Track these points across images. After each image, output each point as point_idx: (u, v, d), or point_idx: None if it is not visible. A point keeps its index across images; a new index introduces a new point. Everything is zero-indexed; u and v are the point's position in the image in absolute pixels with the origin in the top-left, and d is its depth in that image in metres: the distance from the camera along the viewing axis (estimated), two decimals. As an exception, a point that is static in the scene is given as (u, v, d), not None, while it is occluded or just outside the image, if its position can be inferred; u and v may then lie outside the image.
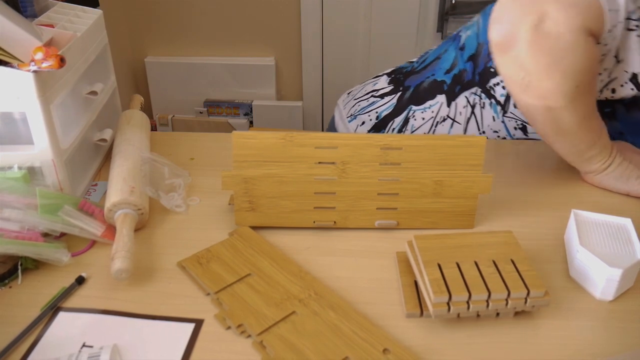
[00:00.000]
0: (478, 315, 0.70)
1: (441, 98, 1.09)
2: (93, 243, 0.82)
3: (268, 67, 2.72)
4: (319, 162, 0.81)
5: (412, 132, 1.10)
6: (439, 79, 1.09)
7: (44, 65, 0.75)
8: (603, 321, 0.70)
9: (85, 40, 0.92)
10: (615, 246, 0.75)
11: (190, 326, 0.69)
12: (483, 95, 1.05)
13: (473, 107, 1.06)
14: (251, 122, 2.78)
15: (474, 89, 1.06)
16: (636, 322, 0.70)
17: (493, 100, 1.04)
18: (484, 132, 1.06)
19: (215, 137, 1.10)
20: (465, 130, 1.06)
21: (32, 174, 0.83)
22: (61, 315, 0.70)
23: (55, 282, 0.75)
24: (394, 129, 1.13)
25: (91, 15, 0.98)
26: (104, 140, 0.98)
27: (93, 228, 0.81)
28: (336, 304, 0.71)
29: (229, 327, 0.69)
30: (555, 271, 0.78)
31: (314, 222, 0.84)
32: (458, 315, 0.68)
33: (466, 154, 0.80)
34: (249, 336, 0.67)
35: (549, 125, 0.87)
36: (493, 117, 1.05)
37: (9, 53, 0.77)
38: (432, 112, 1.09)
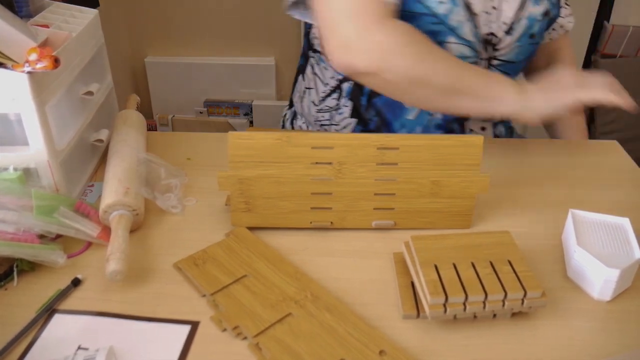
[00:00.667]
0: (475, 317, 0.69)
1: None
2: (89, 245, 0.82)
3: (268, 67, 2.71)
4: (316, 163, 0.81)
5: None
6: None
7: (39, 66, 0.75)
8: (601, 322, 0.70)
9: (80, 41, 0.92)
10: (613, 246, 0.75)
11: (186, 328, 0.69)
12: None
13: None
14: (251, 122, 2.78)
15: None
16: (634, 323, 0.70)
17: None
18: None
19: (211, 137, 1.10)
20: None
21: (27, 175, 0.82)
22: (57, 317, 0.70)
23: (51, 284, 0.74)
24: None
25: (87, 15, 0.98)
26: (100, 140, 0.98)
27: (89, 229, 0.81)
28: (332, 306, 0.70)
29: (224, 329, 0.68)
30: (553, 271, 0.77)
31: (311, 222, 0.84)
32: (455, 316, 0.68)
33: (463, 153, 0.80)
34: (245, 338, 0.67)
35: (433, 95, 0.88)
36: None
37: (3, 54, 0.77)
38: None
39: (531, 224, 0.87)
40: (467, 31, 0.95)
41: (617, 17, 2.22)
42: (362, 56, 0.85)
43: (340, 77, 1.08)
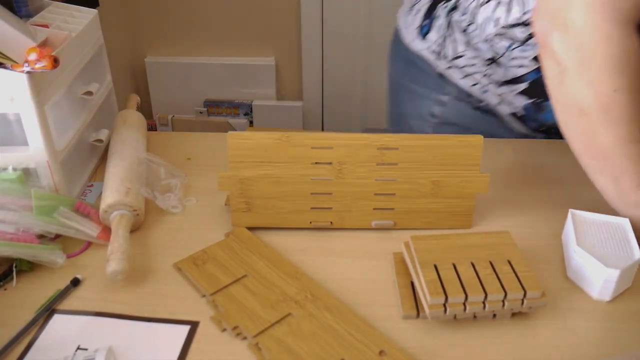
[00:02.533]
0: (475, 317, 0.69)
1: None
2: (88, 245, 0.82)
3: (268, 67, 2.72)
4: (315, 163, 0.80)
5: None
6: None
7: (38, 66, 0.75)
8: (600, 322, 0.70)
9: (80, 40, 0.92)
10: (613, 246, 0.75)
11: (186, 328, 0.69)
12: None
13: None
14: (251, 122, 2.78)
15: None
16: (634, 323, 0.70)
17: None
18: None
19: (211, 137, 1.10)
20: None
21: (27, 175, 0.82)
22: (56, 317, 0.70)
23: (50, 284, 0.74)
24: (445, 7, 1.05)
25: (86, 15, 0.98)
26: (100, 140, 0.98)
27: (89, 229, 0.81)
28: (332, 306, 0.70)
29: (224, 329, 0.68)
30: (553, 272, 0.77)
31: (311, 222, 0.84)
32: (455, 316, 0.68)
33: (463, 153, 0.80)
34: (245, 338, 0.67)
35: (581, 138, 0.77)
36: None
37: (2, 54, 0.77)
38: None
39: (531, 224, 0.87)
40: None
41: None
42: (562, 40, 0.73)
43: None
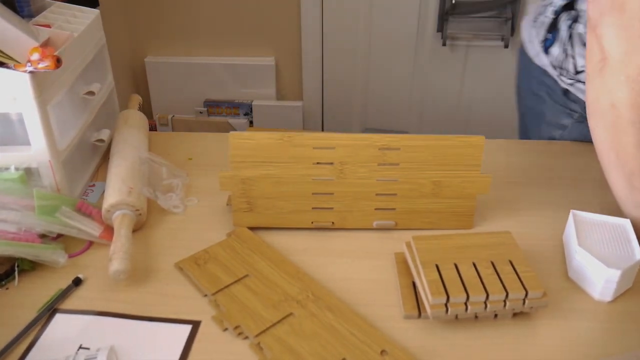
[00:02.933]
0: (476, 317, 0.69)
1: None
2: (90, 244, 0.82)
3: (268, 67, 2.71)
4: (317, 163, 0.81)
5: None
6: None
7: (41, 65, 0.75)
8: (601, 322, 0.70)
9: (82, 41, 0.92)
10: (614, 247, 0.75)
11: (188, 328, 0.69)
12: None
13: None
14: (251, 122, 2.78)
15: None
16: (635, 323, 0.70)
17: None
18: None
19: (213, 137, 1.10)
20: None
21: (29, 175, 0.83)
22: (58, 317, 0.70)
23: (52, 284, 0.74)
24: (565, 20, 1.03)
25: (88, 15, 0.98)
26: (101, 140, 0.98)
27: (91, 229, 0.81)
28: (334, 305, 0.70)
29: (226, 329, 0.68)
30: (554, 272, 0.78)
31: (312, 222, 0.84)
32: (456, 316, 0.68)
33: (464, 154, 0.80)
34: (246, 338, 0.67)
35: (606, 131, 0.76)
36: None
37: (5, 53, 0.77)
38: None
39: (532, 224, 0.87)
40: None
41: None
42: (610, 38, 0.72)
43: None
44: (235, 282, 0.74)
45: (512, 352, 0.66)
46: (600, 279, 0.71)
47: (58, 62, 0.76)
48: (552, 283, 0.75)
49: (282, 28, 2.66)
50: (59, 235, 0.81)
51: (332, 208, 0.83)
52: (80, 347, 0.66)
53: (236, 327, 0.68)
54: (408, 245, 0.75)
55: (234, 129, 2.74)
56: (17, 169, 0.81)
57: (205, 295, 0.73)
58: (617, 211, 0.82)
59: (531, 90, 1.16)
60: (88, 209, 0.83)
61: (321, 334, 0.67)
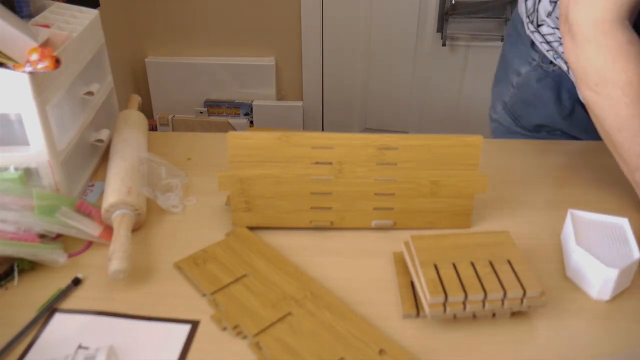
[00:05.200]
0: (474, 316, 0.69)
1: None
2: (89, 244, 0.82)
3: (268, 67, 2.72)
4: (315, 162, 0.81)
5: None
6: None
7: (40, 66, 0.75)
8: (599, 321, 0.70)
9: (81, 41, 0.92)
10: (612, 246, 0.75)
11: (187, 327, 0.69)
12: None
13: None
14: (251, 122, 2.78)
15: None
16: (633, 323, 0.70)
17: None
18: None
19: (212, 137, 1.10)
20: None
21: (28, 175, 0.83)
22: (57, 316, 0.70)
23: (52, 283, 0.75)
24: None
25: (88, 15, 0.98)
26: (100, 140, 0.98)
27: (90, 229, 0.81)
28: (332, 305, 0.71)
29: (225, 328, 0.69)
30: (552, 271, 0.78)
31: (311, 222, 0.84)
32: (454, 316, 0.68)
33: (462, 153, 0.80)
34: (245, 337, 0.67)
35: (609, 102, 0.81)
36: None
37: (4, 54, 0.77)
38: None
39: (530, 224, 0.87)
40: None
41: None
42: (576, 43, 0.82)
43: None
44: (234, 281, 0.74)
45: (510, 351, 0.66)
46: (598, 278, 0.71)
47: (57, 62, 0.76)
48: (550, 282, 0.76)
49: (282, 28, 2.66)
50: (59, 235, 0.81)
51: (330, 208, 0.84)
52: (80, 347, 0.66)
53: (235, 327, 0.68)
54: (406, 244, 0.75)
55: (235, 129, 2.74)
56: (16, 169, 0.81)
57: (204, 295, 0.73)
58: (615, 210, 0.82)
59: (509, 39, 1.23)
60: (87, 209, 0.83)
61: (320, 333, 0.67)
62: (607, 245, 0.75)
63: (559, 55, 1.07)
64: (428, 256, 0.71)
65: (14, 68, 0.76)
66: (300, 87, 2.80)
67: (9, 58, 0.77)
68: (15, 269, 0.76)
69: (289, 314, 0.69)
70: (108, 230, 0.82)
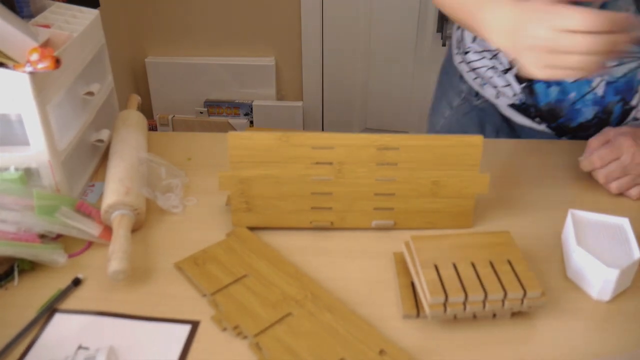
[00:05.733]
0: (475, 317, 0.69)
1: None
2: (90, 244, 0.82)
3: (268, 67, 2.72)
4: (316, 163, 0.81)
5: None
6: None
7: (40, 66, 0.75)
8: (600, 322, 0.70)
9: (81, 41, 0.92)
10: (613, 246, 0.75)
11: (187, 327, 0.69)
12: None
13: None
14: (251, 122, 2.78)
15: None
16: (633, 323, 0.70)
17: None
18: None
19: (212, 137, 1.10)
20: None
21: (28, 175, 0.83)
22: (57, 316, 0.70)
23: (52, 284, 0.75)
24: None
25: (88, 15, 0.98)
26: (100, 140, 0.98)
27: (90, 229, 0.81)
28: (332, 305, 0.71)
29: (225, 329, 0.69)
30: (552, 271, 0.78)
31: (311, 222, 0.84)
32: (455, 316, 0.68)
33: (463, 153, 0.80)
34: (245, 337, 0.67)
35: None
36: None
37: (4, 54, 0.77)
38: None
39: (531, 224, 0.87)
40: None
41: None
42: None
43: None
44: (234, 282, 0.74)
45: (510, 351, 0.66)
46: (598, 279, 0.71)
47: (57, 62, 0.76)
48: (551, 283, 0.76)
49: (282, 28, 2.66)
50: (59, 236, 0.81)
51: (330, 208, 0.84)
52: (80, 347, 0.66)
53: (235, 327, 0.68)
54: (407, 245, 0.75)
55: (235, 129, 2.74)
56: (16, 169, 0.81)
57: (205, 295, 0.73)
58: (615, 210, 0.82)
59: (444, 70, 1.24)
60: (88, 209, 0.83)
61: (320, 333, 0.67)
62: (608, 246, 0.75)
63: (487, 81, 1.08)
64: (428, 256, 0.71)
65: (14, 68, 0.76)
66: (300, 87, 2.80)
67: (9, 58, 0.77)
68: (16, 269, 0.76)
69: (289, 314, 0.69)
70: (108, 230, 0.82)
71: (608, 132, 0.93)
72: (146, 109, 2.80)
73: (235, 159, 0.80)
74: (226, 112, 2.79)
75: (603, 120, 1.01)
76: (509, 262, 0.71)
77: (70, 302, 0.73)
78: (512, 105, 1.07)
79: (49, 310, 0.71)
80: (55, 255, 0.77)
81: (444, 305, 0.67)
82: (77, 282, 0.75)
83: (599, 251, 0.74)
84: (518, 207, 0.91)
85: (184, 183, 0.94)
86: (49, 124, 0.80)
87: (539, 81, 0.99)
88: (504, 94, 1.06)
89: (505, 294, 0.67)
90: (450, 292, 0.67)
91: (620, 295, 0.74)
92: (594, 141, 0.93)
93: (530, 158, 1.04)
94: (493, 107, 1.10)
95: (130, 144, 0.94)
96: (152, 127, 2.75)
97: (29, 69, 0.75)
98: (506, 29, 0.75)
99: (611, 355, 0.65)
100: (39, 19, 0.93)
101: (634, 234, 0.76)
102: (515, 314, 0.70)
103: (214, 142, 1.08)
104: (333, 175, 0.81)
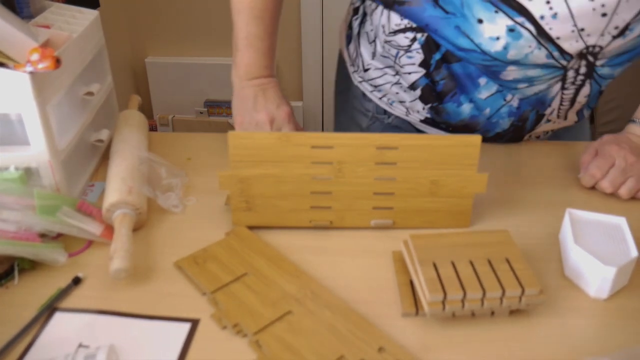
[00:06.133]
0: (473, 314, 0.70)
1: None
2: (90, 243, 0.82)
3: (268, 67, 2.71)
4: (315, 162, 0.81)
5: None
6: None
7: (40, 66, 0.75)
8: (597, 319, 0.71)
9: (81, 41, 0.92)
10: (610, 245, 0.75)
11: (187, 326, 0.69)
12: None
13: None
14: (251, 122, 2.78)
15: None
16: (630, 320, 0.70)
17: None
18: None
19: (211, 137, 1.10)
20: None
21: (28, 174, 0.83)
22: (57, 315, 0.71)
23: (52, 283, 0.75)
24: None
25: (87, 16, 0.99)
26: (100, 140, 0.98)
27: (91, 228, 0.81)
28: (332, 303, 0.71)
29: (225, 327, 0.69)
30: (550, 270, 0.78)
31: (310, 221, 0.85)
32: (453, 314, 0.69)
33: (461, 153, 0.80)
34: (245, 335, 0.68)
35: None
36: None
37: (4, 54, 0.77)
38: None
39: (529, 223, 0.87)
40: (538, 57, 0.88)
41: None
42: None
43: (415, 25, 0.95)
44: (234, 280, 0.75)
45: (508, 348, 0.66)
46: (596, 277, 0.72)
47: (58, 62, 0.76)
48: (549, 281, 0.76)
49: (282, 28, 2.65)
50: (59, 235, 0.81)
51: (330, 207, 0.84)
52: (80, 345, 0.66)
53: (235, 325, 0.68)
54: (405, 243, 0.75)
55: (234, 130, 2.74)
56: (16, 168, 0.82)
57: (205, 294, 0.73)
58: (612, 209, 0.83)
59: (339, 88, 1.23)
60: (89, 209, 0.84)
61: (319, 331, 0.67)
62: (605, 244, 0.75)
63: (395, 99, 1.06)
64: (427, 255, 0.72)
65: (14, 68, 0.76)
66: (300, 87, 2.80)
67: (9, 58, 0.77)
68: (16, 268, 0.76)
69: (289, 312, 0.70)
70: (109, 229, 0.82)
71: (593, 145, 0.96)
72: (146, 109, 2.80)
73: (235, 159, 0.80)
74: (226, 112, 2.79)
75: (518, 127, 1.04)
76: (507, 261, 0.71)
77: (70, 301, 0.73)
78: (425, 121, 1.06)
79: (49, 309, 0.71)
80: (55, 254, 0.77)
81: (443, 303, 0.67)
82: (77, 281, 0.75)
83: (596, 250, 0.74)
84: (516, 206, 0.91)
85: (184, 183, 0.94)
86: (49, 124, 0.81)
87: (447, 101, 0.99)
88: (413, 110, 1.05)
89: (504, 292, 0.67)
90: (448, 290, 0.67)
91: (617, 293, 0.74)
92: (586, 156, 0.96)
93: (528, 158, 1.05)
94: (407, 123, 1.08)
95: (131, 144, 0.94)
96: (152, 127, 2.75)
97: (29, 69, 0.75)
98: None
99: (609, 353, 0.66)
100: (38, 19, 0.94)
101: (630, 233, 0.77)
102: (513, 312, 0.71)
103: (214, 142, 1.08)
104: (333, 175, 0.82)
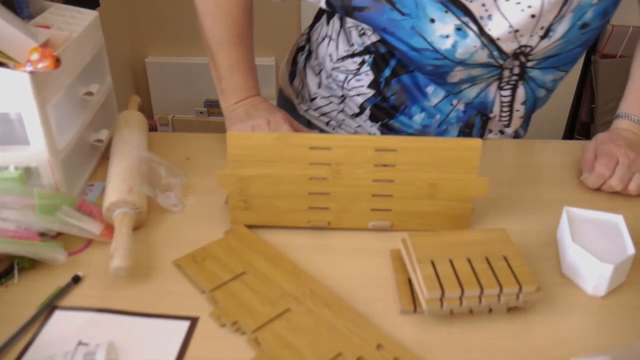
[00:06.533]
0: (471, 312, 0.70)
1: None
2: (89, 242, 0.82)
3: (268, 67, 2.72)
4: (314, 163, 0.81)
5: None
6: None
7: (40, 65, 0.76)
8: (595, 316, 0.71)
9: (81, 41, 0.92)
10: (607, 242, 0.76)
11: (186, 324, 0.69)
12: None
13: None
14: (251, 122, 2.79)
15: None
16: (627, 317, 0.71)
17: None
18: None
19: (211, 137, 1.11)
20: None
21: (28, 174, 0.83)
22: (57, 313, 0.71)
23: (52, 281, 0.75)
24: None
25: (87, 16, 0.99)
26: (100, 140, 0.99)
27: (92, 227, 0.81)
28: (330, 301, 0.71)
29: (224, 325, 0.69)
30: (548, 267, 0.78)
31: (308, 222, 0.85)
32: (451, 311, 0.69)
33: (461, 157, 0.80)
34: (244, 333, 0.68)
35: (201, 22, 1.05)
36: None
37: (4, 54, 0.77)
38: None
39: (527, 222, 0.87)
40: (481, 57, 0.92)
41: (617, 17, 2.23)
42: None
43: (368, 43, 1.02)
44: (233, 279, 0.75)
45: (506, 346, 0.67)
46: (593, 274, 0.72)
47: (57, 62, 0.77)
48: (546, 278, 0.76)
49: (282, 28, 2.66)
50: (59, 234, 0.82)
51: (328, 208, 0.84)
52: (80, 343, 0.66)
53: (234, 323, 0.69)
54: (404, 242, 0.76)
55: (234, 129, 2.74)
56: (16, 168, 0.82)
57: (203, 292, 0.74)
58: (610, 207, 0.83)
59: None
60: (89, 208, 0.84)
61: (318, 329, 0.67)
62: (602, 242, 0.76)
63: (340, 124, 1.12)
64: (425, 253, 0.72)
65: (14, 68, 0.76)
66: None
67: (9, 58, 0.78)
68: (16, 267, 0.76)
69: (288, 310, 0.70)
70: (109, 228, 0.82)
71: (590, 145, 0.99)
72: (146, 109, 2.81)
73: (234, 158, 0.81)
74: (226, 112, 2.79)
75: (466, 134, 1.08)
76: (505, 258, 0.72)
77: (70, 300, 0.73)
78: None
79: (49, 308, 0.71)
80: (55, 253, 0.77)
81: (441, 300, 0.67)
82: (76, 280, 0.75)
83: (593, 247, 0.74)
84: (515, 206, 0.91)
85: (184, 182, 0.94)
86: (49, 124, 0.81)
87: (399, 115, 1.05)
88: (362, 131, 1.11)
89: (501, 289, 0.68)
90: (446, 287, 0.67)
91: (614, 290, 0.74)
92: (588, 157, 0.97)
93: (525, 157, 1.05)
94: None
95: (131, 144, 0.94)
96: (152, 127, 2.76)
97: (29, 68, 0.76)
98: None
99: (606, 350, 0.66)
100: (38, 19, 0.94)
101: (627, 230, 0.77)
102: (511, 309, 0.71)
103: (213, 142, 1.09)
104: (331, 176, 0.82)
